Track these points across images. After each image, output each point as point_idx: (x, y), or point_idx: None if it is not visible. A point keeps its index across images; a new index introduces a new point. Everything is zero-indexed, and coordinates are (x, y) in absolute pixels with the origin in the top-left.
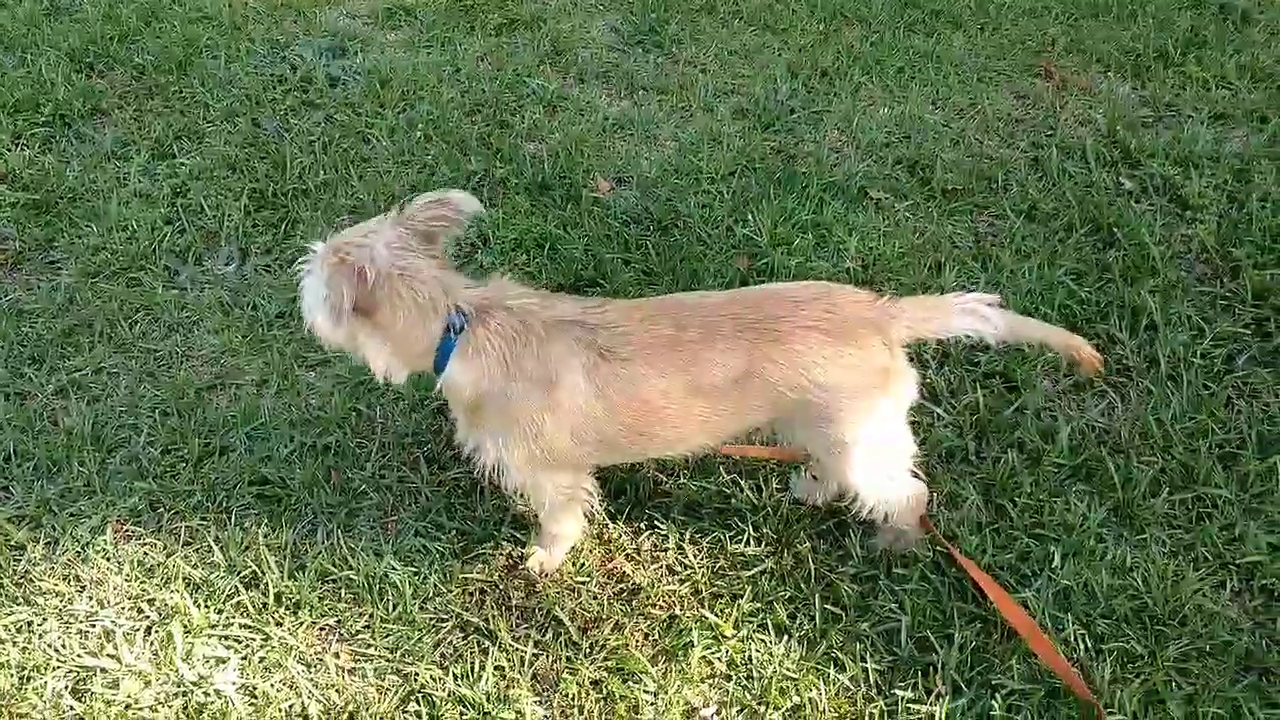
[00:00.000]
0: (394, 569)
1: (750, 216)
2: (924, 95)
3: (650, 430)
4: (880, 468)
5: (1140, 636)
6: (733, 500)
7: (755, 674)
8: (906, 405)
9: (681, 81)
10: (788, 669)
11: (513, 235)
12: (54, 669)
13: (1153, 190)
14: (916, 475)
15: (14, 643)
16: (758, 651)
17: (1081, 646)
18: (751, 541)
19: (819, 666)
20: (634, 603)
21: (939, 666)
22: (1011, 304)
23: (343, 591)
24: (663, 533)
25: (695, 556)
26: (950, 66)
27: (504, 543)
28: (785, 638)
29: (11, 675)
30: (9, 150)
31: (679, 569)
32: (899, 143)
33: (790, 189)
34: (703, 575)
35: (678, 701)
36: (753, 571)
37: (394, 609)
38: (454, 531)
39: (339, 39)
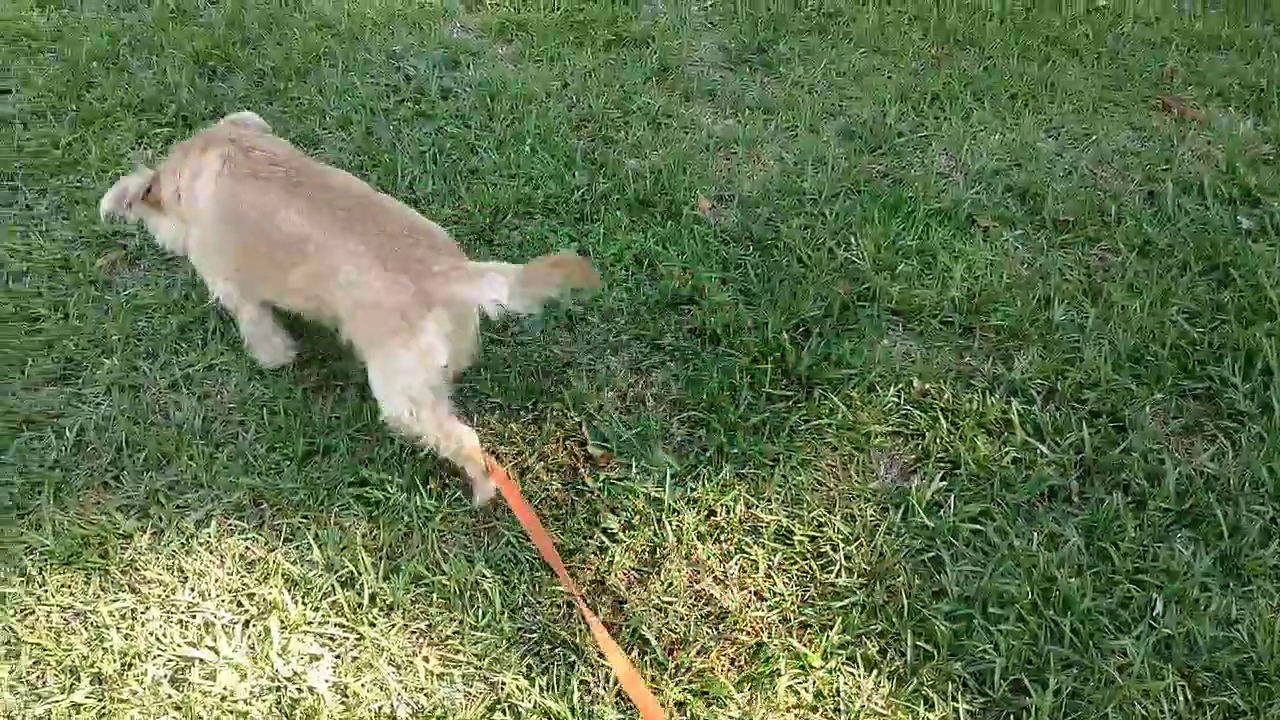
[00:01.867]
0: (485, 576)
1: (853, 240)
2: (1037, 123)
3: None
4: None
5: (1244, 692)
6: (825, 529)
7: (843, 707)
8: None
9: (788, 101)
10: (876, 704)
11: (612, 250)
12: (154, 657)
13: (1272, 229)
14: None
15: (118, 629)
16: (846, 685)
17: (1181, 699)
18: (843, 572)
19: (909, 704)
20: (721, 627)
21: (1032, 711)
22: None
23: (434, 596)
24: (753, 558)
25: (785, 584)
26: (1065, 95)
27: (592, 556)
28: (875, 672)
29: (114, 661)
30: (133, 149)
31: (768, 595)
32: (1010, 171)
33: (895, 213)
34: (792, 603)
35: None
36: (844, 603)
37: (483, 617)
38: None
39: (452, 51)
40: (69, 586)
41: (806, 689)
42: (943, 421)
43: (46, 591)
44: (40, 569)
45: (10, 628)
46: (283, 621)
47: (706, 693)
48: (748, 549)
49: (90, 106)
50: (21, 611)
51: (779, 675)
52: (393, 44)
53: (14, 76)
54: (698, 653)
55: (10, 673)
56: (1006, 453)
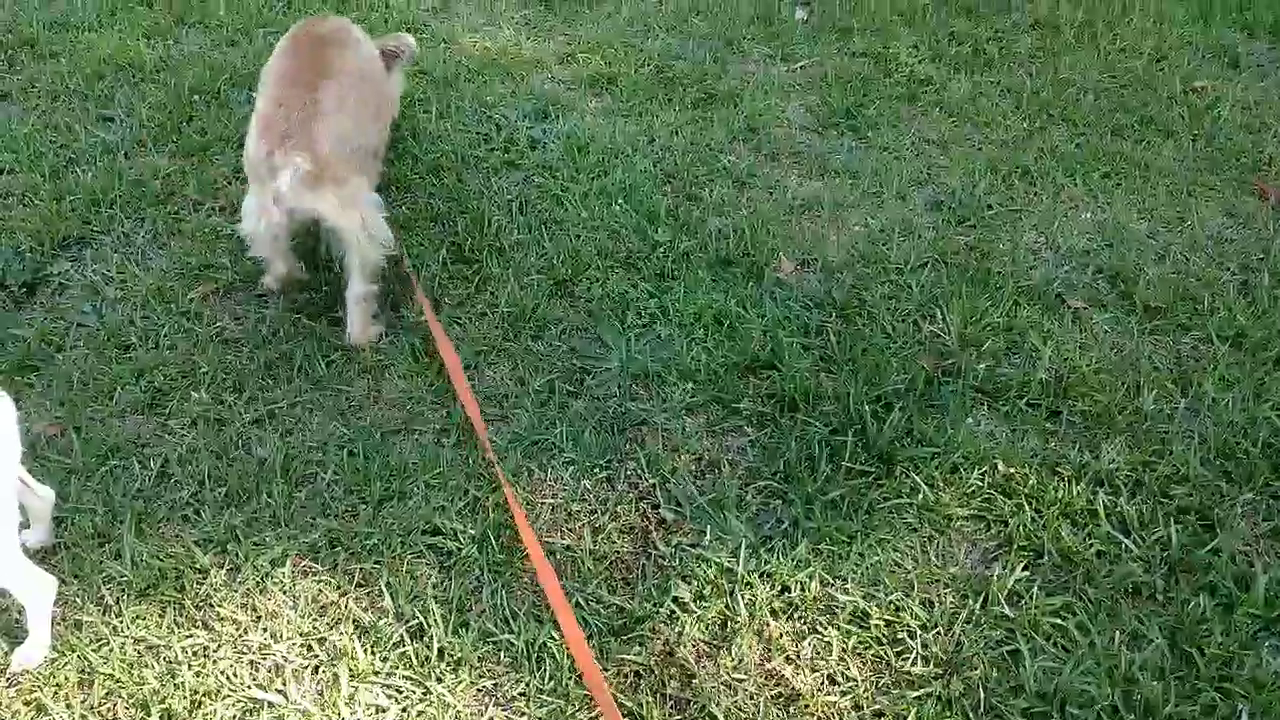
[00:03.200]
0: (553, 638)
1: (939, 313)
2: (1129, 203)
3: None
4: None
5: None
6: (903, 614)
7: None
8: None
9: (875, 167)
10: None
11: (692, 309)
12: (224, 697)
13: None
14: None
15: (190, 665)
16: None
17: None
18: (919, 661)
19: None
20: (791, 709)
21: None
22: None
23: (502, 654)
24: (827, 639)
25: (859, 669)
26: (1158, 176)
27: (661, 625)
28: None
29: (185, 698)
30: (229, 184)
31: (841, 680)
32: (1100, 251)
33: (983, 288)
34: (866, 690)
35: None
36: (919, 693)
37: (550, 680)
38: (613, 607)
39: (543, 103)
40: (144, 619)
41: None
42: (1027, 508)
43: (122, 622)
44: (117, 599)
45: (85, 657)
46: (352, 670)
47: None
48: (822, 629)
49: (190, 139)
50: (97, 641)
51: None
52: (485, 93)
53: (119, 105)
54: None
55: (83, 702)
56: (1091, 545)
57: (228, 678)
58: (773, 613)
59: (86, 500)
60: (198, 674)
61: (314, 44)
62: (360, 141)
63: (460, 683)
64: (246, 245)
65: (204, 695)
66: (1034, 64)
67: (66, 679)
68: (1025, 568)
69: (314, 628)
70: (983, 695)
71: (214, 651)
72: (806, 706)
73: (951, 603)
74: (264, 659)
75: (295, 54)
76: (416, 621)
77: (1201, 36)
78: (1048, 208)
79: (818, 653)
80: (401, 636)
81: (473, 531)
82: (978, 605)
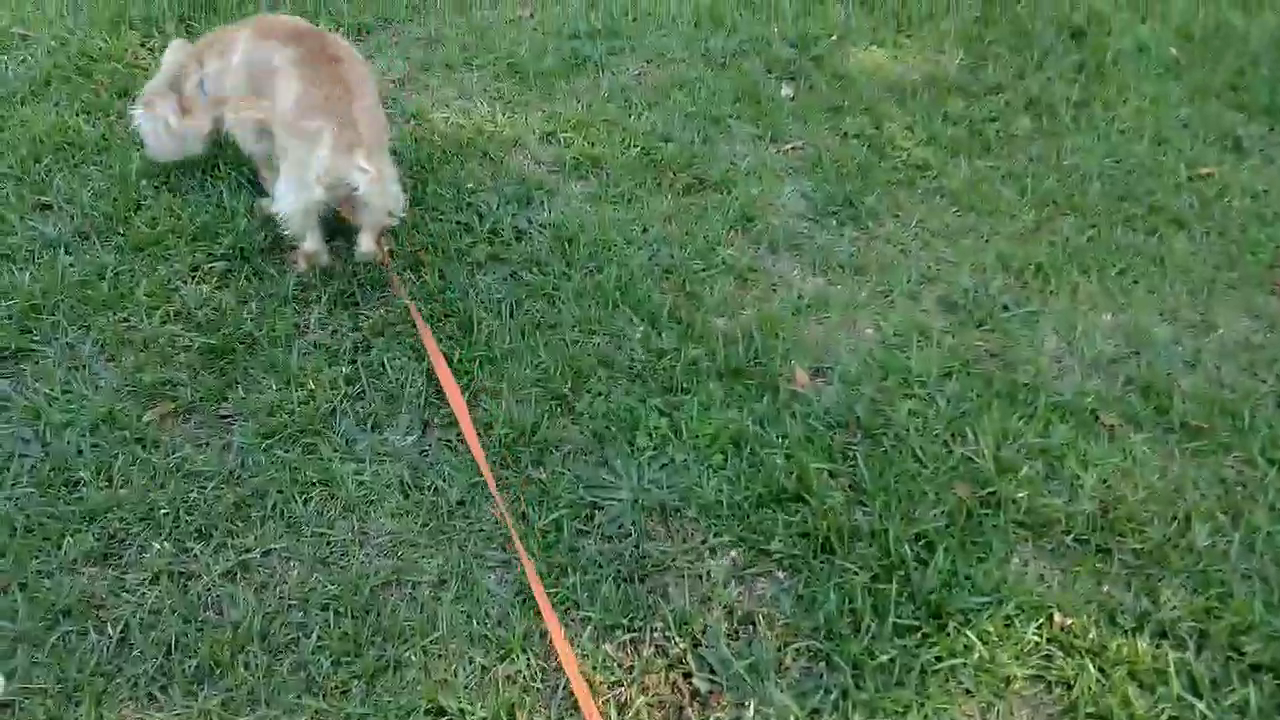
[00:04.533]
0: None
1: (970, 432)
2: (1149, 304)
3: None
4: None
5: None
6: None
7: None
8: None
9: (880, 261)
10: None
11: (707, 430)
12: None
13: None
14: None
15: None
16: None
17: None
18: None
19: None
20: None
21: None
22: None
23: None
24: None
25: None
26: (1176, 272)
27: None
28: None
29: None
30: (185, 284)
31: None
32: (1127, 359)
33: (1011, 402)
34: None
35: None
36: None
37: None
38: None
39: (525, 187)
40: None
41: None
42: (1090, 668)
43: None
44: None
45: None
46: None
47: None
48: None
49: (139, 231)
50: None
51: None
52: (463, 176)
53: (58, 192)
54: None
55: None
56: (1162, 710)
57: None
58: None
59: (37, 677)
60: None
61: (312, 35)
62: (382, 121)
63: None
64: (281, 224)
65: None
66: (1034, 147)
67: None
68: None
69: None
70: None
71: None
72: None
73: None
74: None
75: (302, 40)
76: None
77: (1199, 118)
78: (1066, 308)
79: None
80: None
81: (483, 713)
82: None
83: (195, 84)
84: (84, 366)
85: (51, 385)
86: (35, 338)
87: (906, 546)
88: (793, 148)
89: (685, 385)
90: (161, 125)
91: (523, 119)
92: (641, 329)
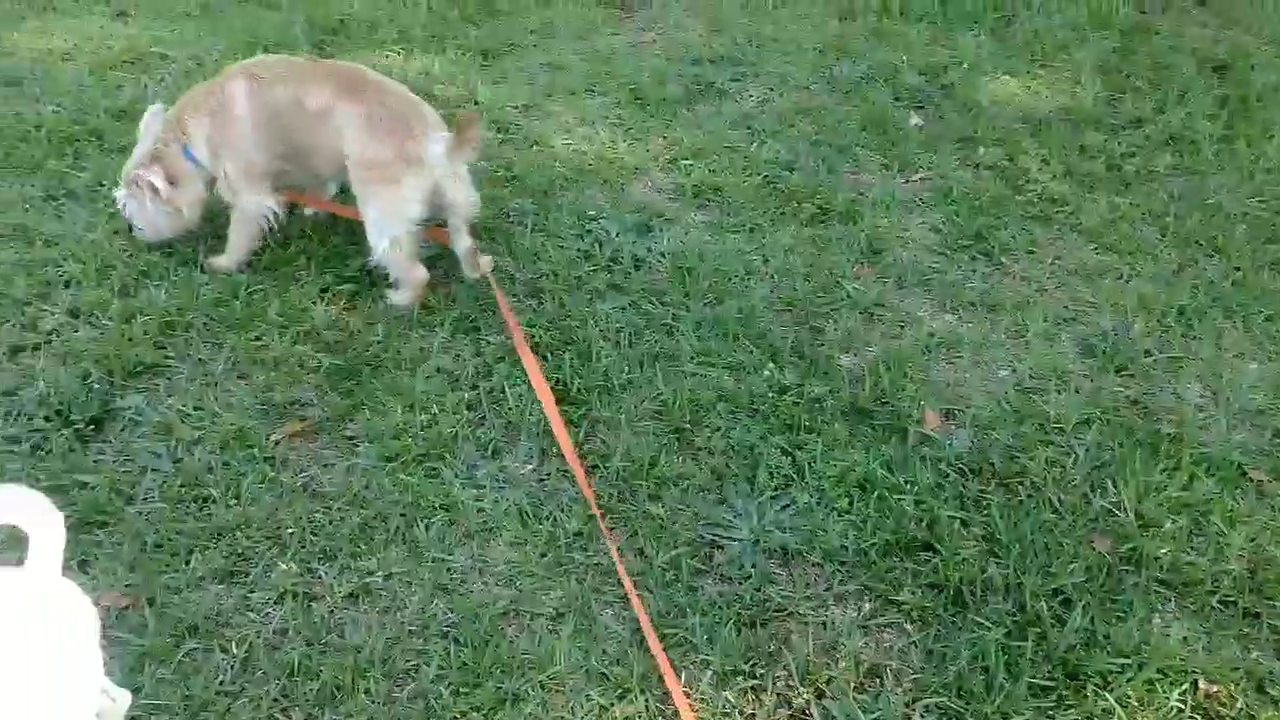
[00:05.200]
0: None
1: (1110, 484)
2: None
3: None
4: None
5: None
6: None
7: None
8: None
9: (1015, 299)
10: None
11: (832, 473)
12: None
13: None
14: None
15: None
16: None
17: None
18: None
19: None
20: None
21: None
22: None
23: None
24: None
25: None
26: None
27: None
28: None
29: None
30: (315, 305)
31: None
32: (1276, 410)
33: (1153, 453)
34: None
35: None
36: None
37: None
38: None
39: (645, 215)
40: None
41: None
42: None
43: None
44: None
45: None
46: None
47: None
48: None
49: (273, 252)
50: None
51: None
52: (583, 203)
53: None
54: None
55: None
56: None
57: None
58: None
59: (164, 694)
60: None
61: (341, 67)
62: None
63: None
64: (381, 265)
65: None
66: (1175, 185)
67: None
68: None
69: None
70: None
71: None
72: None
73: None
74: None
75: (335, 72)
76: None
77: None
78: (1210, 356)
79: None
80: None
81: None
82: None
83: (178, 152)
84: (216, 384)
85: (184, 402)
86: (169, 354)
87: (1042, 602)
88: (921, 178)
89: (808, 424)
90: (149, 200)
91: (644, 146)
92: (768, 367)
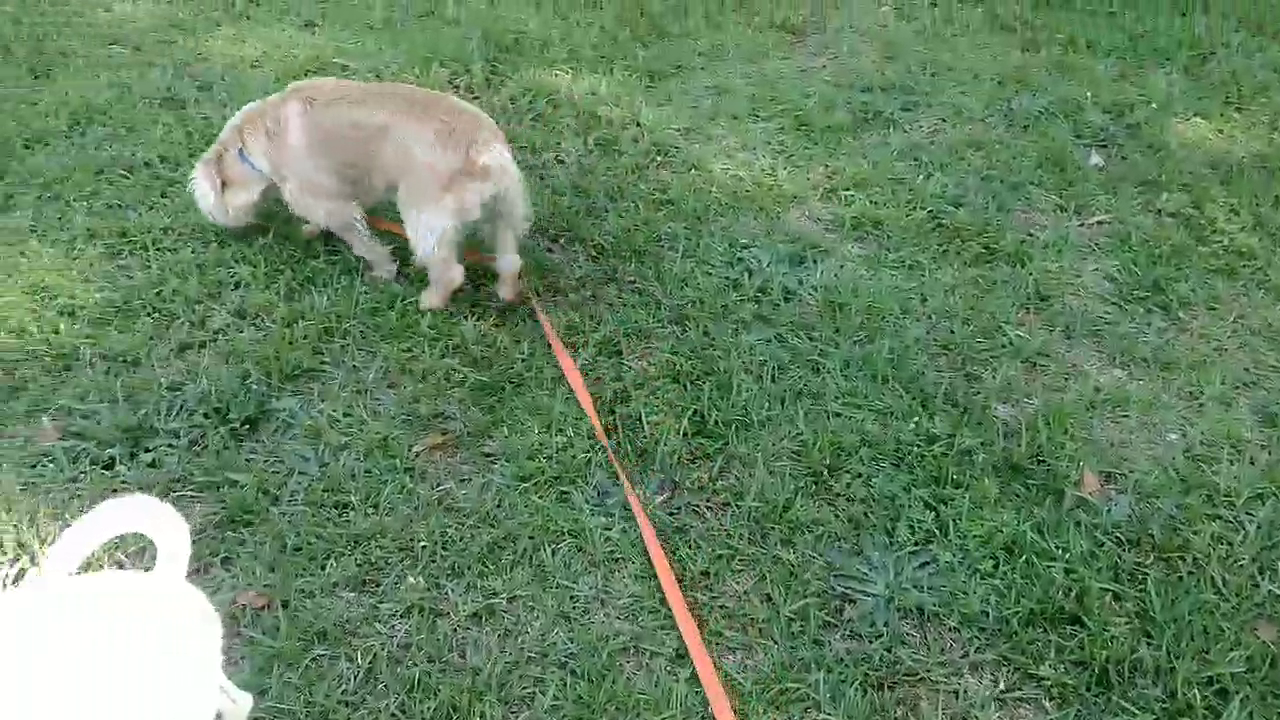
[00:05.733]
0: None
1: None
2: None
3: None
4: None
5: None
6: None
7: None
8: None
9: (1191, 358)
10: None
11: (978, 532)
12: None
13: None
14: None
15: None
16: None
17: None
18: None
19: None
20: None
21: None
22: None
23: None
24: None
25: None
26: None
27: None
28: None
29: None
30: (465, 319)
31: None
32: None
33: None
34: None
35: None
36: None
37: None
38: None
39: (799, 245)
40: None
41: None
42: None
43: None
44: None
45: None
46: None
47: None
48: None
49: None
50: None
51: None
52: (736, 230)
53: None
54: None
55: None
56: None
57: None
58: None
59: (288, 698)
60: None
61: (394, 87)
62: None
63: None
64: (423, 263)
65: None
66: None
67: None
68: None
69: None
70: None
71: None
72: None
73: None
74: None
75: (391, 92)
76: None
77: None
78: None
79: None
80: None
81: None
82: None
83: (235, 157)
84: (366, 391)
85: (335, 407)
86: (325, 360)
87: (1196, 691)
88: (1099, 222)
89: (957, 477)
90: (207, 189)
91: (804, 174)
92: (917, 414)
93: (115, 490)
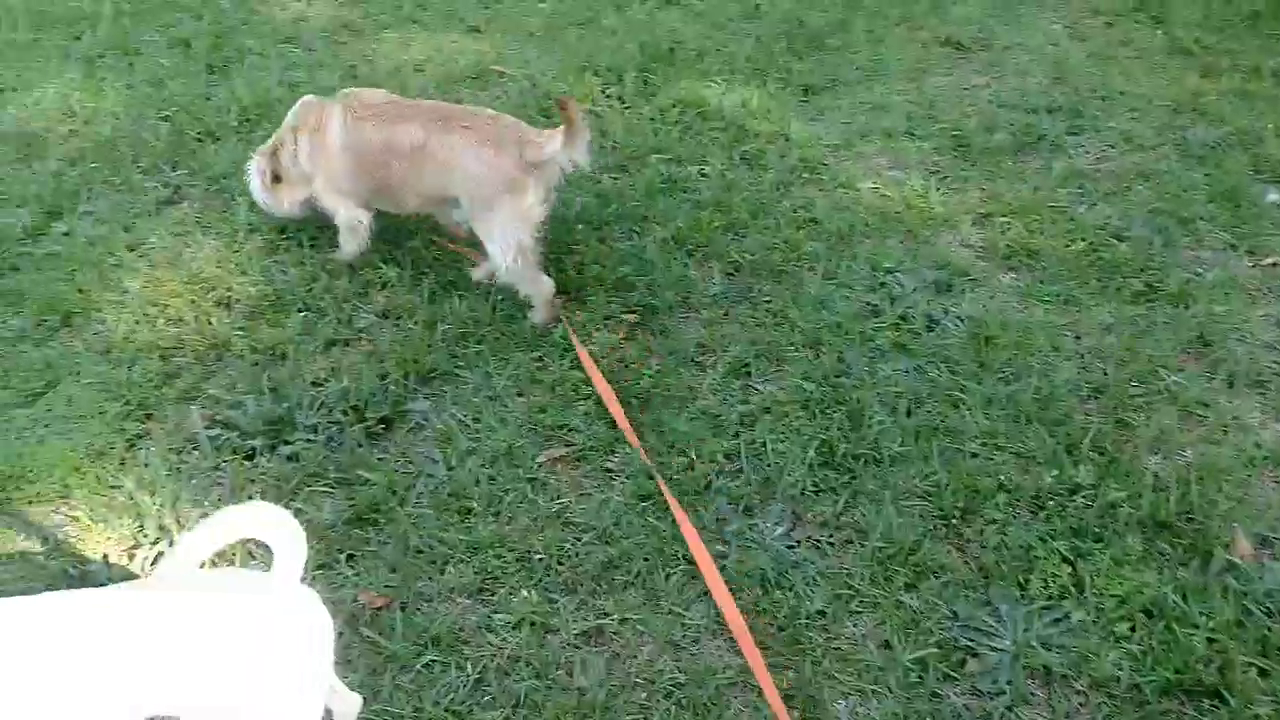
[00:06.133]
0: None
1: None
2: None
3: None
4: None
5: None
6: None
7: None
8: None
9: None
10: None
11: (1117, 591)
12: None
13: None
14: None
15: None
16: None
17: None
18: None
19: None
20: None
21: None
22: None
23: None
24: None
25: None
26: None
27: None
28: None
29: None
30: (597, 331)
31: None
32: None
33: None
34: None
35: None
36: None
37: None
38: None
39: (946, 272)
40: None
41: None
42: None
43: None
44: None
45: None
46: None
47: None
48: None
49: (567, 274)
50: None
51: None
52: (881, 253)
53: None
54: None
55: None
56: None
57: None
58: None
59: (398, 702)
60: None
61: (434, 104)
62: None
63: None
64: (508, 279)
65: None
66: None
67: None
68: None
69: None
70: None
71: None
72: None
73: None
74: None
75: (416, 106)
76: None
77: None
78: None
79: None
80: None
81: None
82: None
83: (290, 155)
84: (497, 398)
85: (465, 412)
86: (460, 364)
87: None
88: (1273, 264)
89: (1098, 531)
90: (256, 180)
91: (958, 197)
92: (1061, 460)
93: (253, 480)
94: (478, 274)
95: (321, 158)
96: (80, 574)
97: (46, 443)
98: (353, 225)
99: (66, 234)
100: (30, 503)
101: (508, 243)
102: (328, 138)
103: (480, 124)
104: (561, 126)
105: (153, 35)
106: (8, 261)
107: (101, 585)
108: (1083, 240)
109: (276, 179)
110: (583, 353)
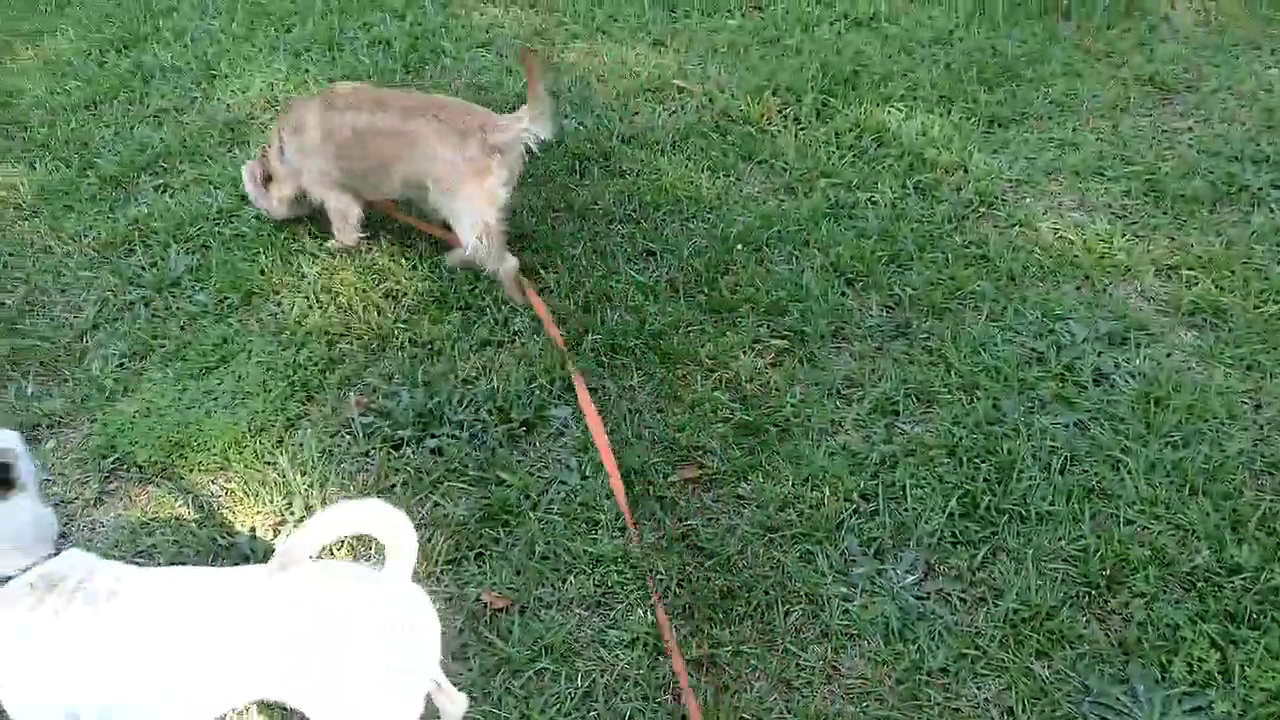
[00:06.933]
0: None
1: None
2: None
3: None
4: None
5: None
6: None
7: None
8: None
9: None
10: None
11: (1268, 685)
12: None
13: None
14: None
15: None
16: None
17: None
18: None
19: None
20: None
21: None
22: None
23: None
24: None
25: None
26: None
27: None
28: None
29: None
30: (743, 354)
31: None
32: None
33: None
34: None
35: None
36: None
37: None
38: None
39: (1122, 323)
40: None
41: None
42: None
43: None
44: None
45: None
46: None
47: None
48: None
49: (720, 294)
50: None
51: None
52: (1054, 299)
53: (665, 240)
54: None
55: None
56: None
57: None
58: None
59: (506, 706)
60: None
61: (408, 94)
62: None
63: None
64: (471, 259)
65: None
66: None
67: None
68: None
69: None
70: None
71: None
72: None
73: None
74: None
75: (391, 95)
76: None
77: None
78: None
79: None
80: None
81: None
82: None
83: (277, 153)
84: (637, 411)
85: (605, 423)
86: (604, 374)
87: None
88: None
89: (1255, 618)
90: (249, 180)
91: (1144, 245)
92: (1224, 536)
93: (397, 470)
94: (452, 259)
95: (305, 151)
96: (228, 544)
97: (213, 415)
98: (342, 212)
99: (257, 216)
100: (192, 471)
101: (475, 223)
102: (308, 131)
103: (449, 113)
104: (525, 107)
105: (357, 32)
106: (200, 240)
107: (245, 557)
108: (1275, 303)
109: (269, 179)
110: (532, 293)
